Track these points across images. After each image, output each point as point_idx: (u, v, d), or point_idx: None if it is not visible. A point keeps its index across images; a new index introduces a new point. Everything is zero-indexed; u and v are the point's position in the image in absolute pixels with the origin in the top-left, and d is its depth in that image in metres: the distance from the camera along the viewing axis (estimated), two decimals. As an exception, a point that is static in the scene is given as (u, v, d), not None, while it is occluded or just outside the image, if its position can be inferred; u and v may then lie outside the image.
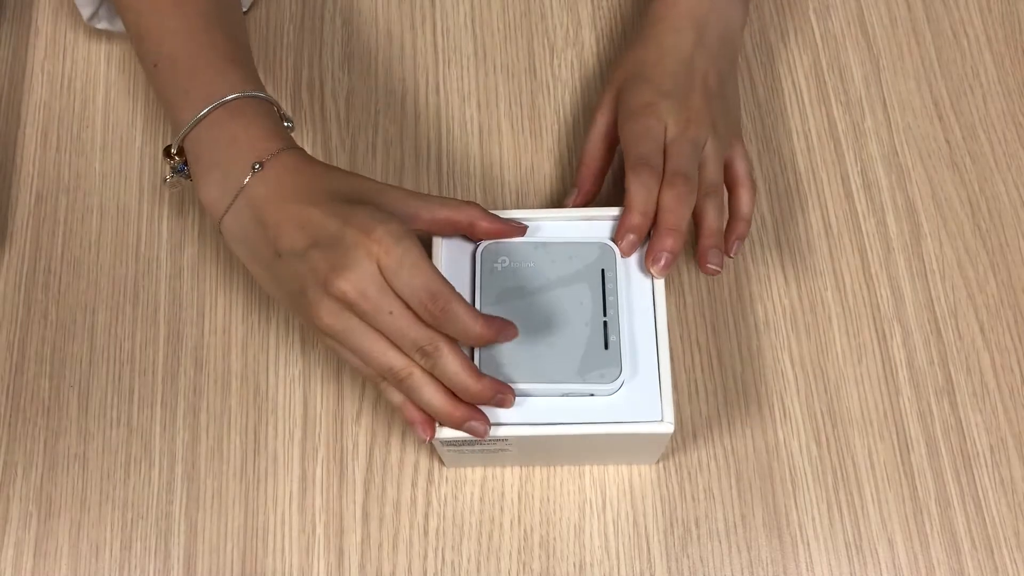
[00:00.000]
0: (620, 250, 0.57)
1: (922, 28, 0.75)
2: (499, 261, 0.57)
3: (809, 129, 0.72)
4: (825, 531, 0.61)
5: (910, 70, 0.74)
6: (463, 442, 0.55)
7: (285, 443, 0.64)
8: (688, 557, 0.61)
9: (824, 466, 0.63)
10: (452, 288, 0.51)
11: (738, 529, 0.61)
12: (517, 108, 0.73)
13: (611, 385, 0.54)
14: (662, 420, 0.54)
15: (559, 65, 0.74)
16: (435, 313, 0.51)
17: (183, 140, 0.58)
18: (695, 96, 0.61)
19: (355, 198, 0.54)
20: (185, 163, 0.59)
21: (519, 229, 0.58)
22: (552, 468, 0.63)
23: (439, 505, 0.62)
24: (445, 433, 0.54)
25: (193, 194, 0.70)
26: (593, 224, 0.58)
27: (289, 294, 0.54)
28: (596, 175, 0.64)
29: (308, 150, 0.71)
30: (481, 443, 0.55)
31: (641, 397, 0.54)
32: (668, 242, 0.56)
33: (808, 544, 0.61)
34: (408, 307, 0.51)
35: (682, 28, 0.63)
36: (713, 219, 0.59)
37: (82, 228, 0.70)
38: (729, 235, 0.62)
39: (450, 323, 0.51)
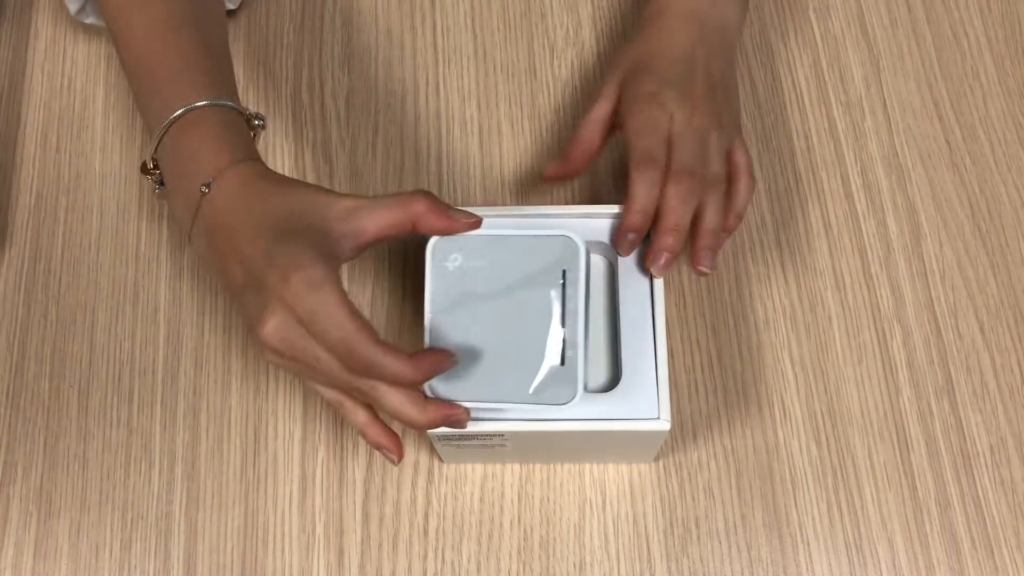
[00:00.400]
0: (619, 250, 0.56)
1: (922, 29, 0.75)
2: (451, 259, 0.53)
3: (809, 129, 0.72)
4: (825, 531, 0.61)
5: (910, 71, 0.74)
6: (459, 436, 0.55)
7: (285, 443, 0.64)
8: (688, 557, 0.61)
9: (824, 466, 0.63)
10: (370, 337, 0.48)
11: (738, 529, 0.61)
12: (517, 108, 0.73)
13: (565, 406, 0.51)
14: (659, 418, 0.54)
15: (559, 65, 0.74)
16: (357, 369, 0.48)
17: (155, 153, 0.56)
18: (698, 85, 0.61)
19: (297, 221, 0.51)
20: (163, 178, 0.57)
21: (469, 224, 0.53)
22: (552, 468, 0.63)
23: (439, 505, 0.62)
24: (439, 427, 0.54)
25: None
26: (592, 222, 0.58)
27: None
28: (587, 156, 0.63)
29: (308, 150, 0.71)
30: (477, 439, 0.55)
31: (638, 394, 0.54)
32: (668, 241, 0.56)
33: (808, 544, 0.61)
34: None
35: (682, 22, 0.63)
36: (712, 218, 0.58)
37: (82, 228, 0.70)
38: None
39: (376, 375, 0.49)
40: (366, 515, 0.62)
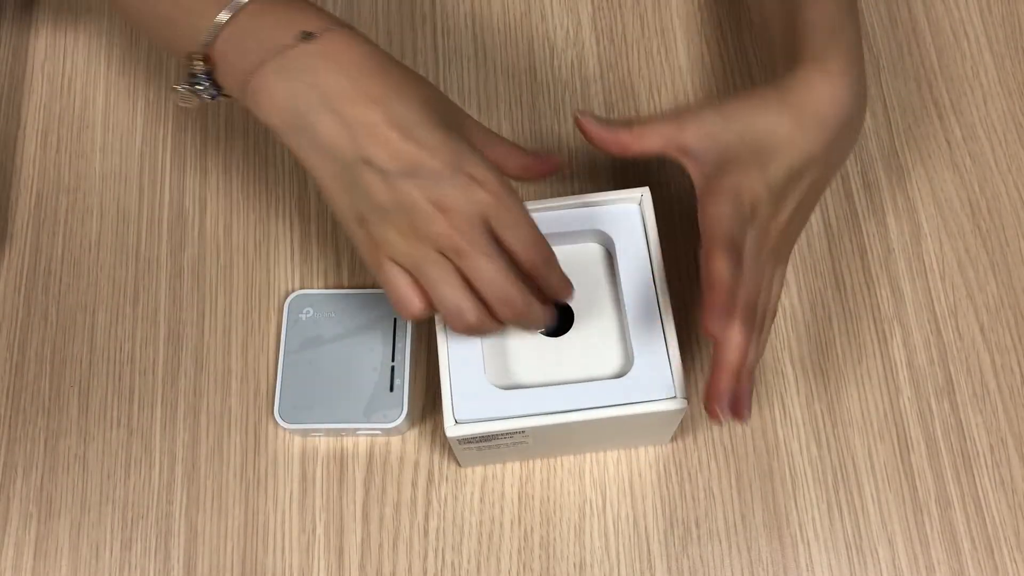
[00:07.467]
0: (716, 412, 0.52)
1: (922, 29, 0.75)
2: (304, 312, 0.64)
3: (809, 129, 0.71)
4: (825, 531, 0.61)
5: (910, 70, 0.74)
6: (481, 437, 0.55)
7: (285, 443, 0.64)
8: (688, 557, 0.61)
9: (824, 466, 0.63)
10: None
11: (738, 529, 0.61)
12: (517, 108, 0.73)
13: (394, 424, 0.61)
14: (675, 397, 0.54)
15: (559, 65, 0.74)
16: (537, 263, 0.50)
17: (214, 42, 0.51)
18: (790, 205, 0.55)
19: (449, 119, 0.50)
20: (209, 72, 0.52)
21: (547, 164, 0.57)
22: (552, 469, 0.63)
23: (439, 505, 0.62)
24: (462, 430, 0.54)
25: (191, 181, 0.70)
26: (589, 211, 0.58)
27: (358, 205, 0.49)
28: (617, 150, 0.57)
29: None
30: (498, 439, 0.55)
31: (652, 377, 0.55)
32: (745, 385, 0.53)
33: (808, 544, 0.61)
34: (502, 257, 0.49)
35: (822, 126, 0.55)
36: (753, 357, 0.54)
37: (82, 229, 0.70)
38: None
39: (550, 275, 0.52)
40: (366, 515, 0.62)
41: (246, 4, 0.50)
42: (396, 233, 0.49)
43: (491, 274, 0.49)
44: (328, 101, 0.48)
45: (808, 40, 0.56)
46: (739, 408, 0.52)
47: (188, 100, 0.53)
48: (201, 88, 0.52)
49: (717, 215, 0.53)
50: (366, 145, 0.48)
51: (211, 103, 0.54)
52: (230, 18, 0.50)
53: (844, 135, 0.56)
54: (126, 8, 0.55)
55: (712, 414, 0.52)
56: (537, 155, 0.56)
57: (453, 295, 0.49)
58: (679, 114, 0.56)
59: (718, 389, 0.51)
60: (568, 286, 0.54)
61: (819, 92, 0.54)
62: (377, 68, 0.49)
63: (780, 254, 0.56)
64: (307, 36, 0.49)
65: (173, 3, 0.52)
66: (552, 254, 0.52)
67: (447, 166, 0.48)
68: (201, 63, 0.51)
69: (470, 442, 0.56)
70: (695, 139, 0.55)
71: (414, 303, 0.50)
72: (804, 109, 0.54)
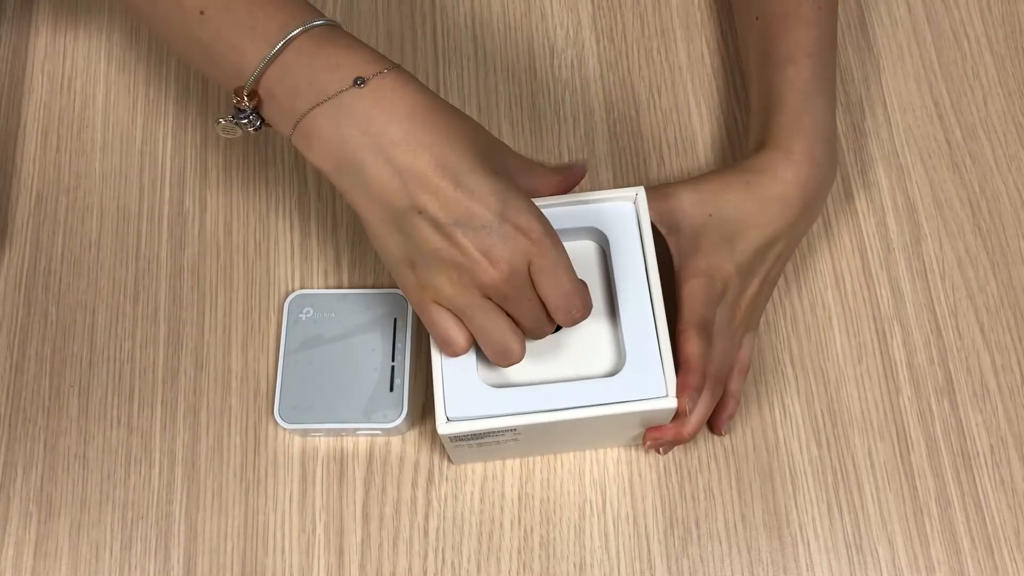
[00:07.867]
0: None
1: (922, 29, 0.75)
2: (304, 312, 0.64)
3: (809, 129, 0.72)
4: (825, 531, 0.61)
5: (910, 71, 0.74)
6: (472, 435, 0.55)
7: (285, 443, 0.64)
8: (688, 557, 0.61)
9: (824, 466, 0.63)
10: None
11: (738, 529, 0.61)
12: (517, 108, 0.73)
13: (394, 424, 0.61)
14: (667, 395, 0.54)
15: (559, 65, 0.74)
16: (565, 311, 0.53)
17: (260, 79, 0.51)
18: (759, 278, 0.61)
19: (494, 159, 0.52)
20: (255, 107, 0.52)
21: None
22: (552, 469, 0.63)
23: (439, 505, 0.62)
24: (453, 428, 0.54)
25: (196, 192, 0.70)
26: (585, 207, 0.58)
27: (407, 249, 0.51)
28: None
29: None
30: (489, 436, 0.55)
31: (644, 375, 0.55)
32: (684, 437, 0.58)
33: (808, 544, 0.61)
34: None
35: (785, 204, 0.60)
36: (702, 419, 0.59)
37: (82, 228, 0.70)
38: (721, 413, 0.62)
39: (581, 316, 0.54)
40: (366, 515, 0.62)
41: (291, 40, 0.51)
42: (445, 280, 0.51)
43: (531, 311, 0.53)
44: (380, 148, 0.49)
45: (780, 111, 0.61)
46: (663, 449, 0.61)
47: (231, 132, 0.54)
48: (246, 122, 0.53)
49: (692, 297, 0.58)
50: (418, 194, 0.49)
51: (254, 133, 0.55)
52: (276, 56, 0.51)
53: (807, 212, 0.62)
54: (163, 33, 0.56)
55: (644, 447, 0.59)
56: (564, 172, 0.61)
57: (501, 337, 0.53)
58: (659, 188, 0.61)
59: (659, 437, 0.58)
60: (586, 316, 0.55)
61: (782, 175, 0.60)
62: (427, 113, 0.50)
63: (750, 323, 0.62)
64: (359, 82, 0.50)
65: (214, 35, 0.52)
66: (583, 300, 0.53)
67: (496, 216, 0.50)
68: (247, 100, 0.52)
69: (461, 439, 0.56)
70: (674, 211, 0.60)
71: (459, 343, 0.53)
72: (769, 192, 0.60)
